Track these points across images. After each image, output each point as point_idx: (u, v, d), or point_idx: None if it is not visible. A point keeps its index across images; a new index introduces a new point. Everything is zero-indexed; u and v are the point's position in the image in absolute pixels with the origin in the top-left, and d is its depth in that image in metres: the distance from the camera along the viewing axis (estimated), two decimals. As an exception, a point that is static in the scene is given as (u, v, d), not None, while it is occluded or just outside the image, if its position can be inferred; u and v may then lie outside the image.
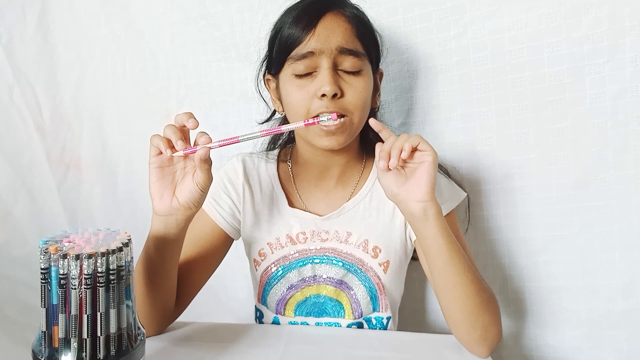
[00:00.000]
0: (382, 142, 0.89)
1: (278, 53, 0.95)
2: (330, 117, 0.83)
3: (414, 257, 1.07)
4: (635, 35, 0.99)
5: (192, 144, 0.81)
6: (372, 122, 0.87)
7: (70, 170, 1.62)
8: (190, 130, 0.82)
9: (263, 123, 1.12)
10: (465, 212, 1.15)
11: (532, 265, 1.15)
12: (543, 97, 1.07)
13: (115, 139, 1.57)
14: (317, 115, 0.89)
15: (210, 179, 0.82)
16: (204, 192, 0.83)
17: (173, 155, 0.81)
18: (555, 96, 1.06)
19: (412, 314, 1.27)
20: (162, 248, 0.87)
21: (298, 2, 0.97)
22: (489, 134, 1.13)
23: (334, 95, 0.89)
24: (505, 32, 1.07)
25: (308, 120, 0.83)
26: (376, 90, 1.01)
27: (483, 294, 0.87)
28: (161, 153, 0.82)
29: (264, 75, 1.04)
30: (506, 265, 1.17)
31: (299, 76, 0.92)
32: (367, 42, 0.94)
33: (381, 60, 1.03)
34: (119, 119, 1.55)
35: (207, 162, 0.80)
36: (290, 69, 0.93)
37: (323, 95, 0.89)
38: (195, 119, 0.79)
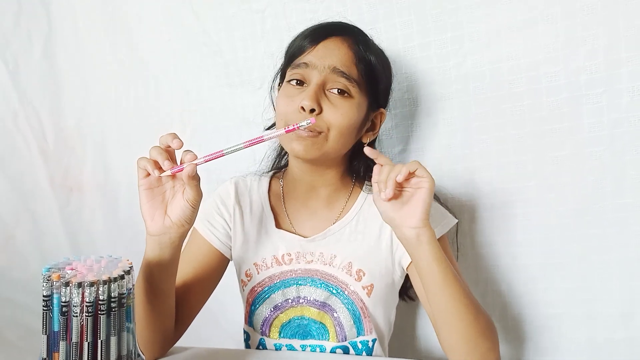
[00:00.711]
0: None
1: (285, 62, 1.01)
2: (309, 121, 0.82)
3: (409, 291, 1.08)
4: (631, 66, 1.00)
5: (178, 162, 0.82)
6: (367, 150, 0.88)
7: (73, 193, 1.63)
8: (175, 150, 0.83)
9: (268, 129, 1.14)
10: (454, 239, 1.15)
11: (531, 292, 1.15)
12: (541, 126, 1.08)
13: (118, 163, 1.59)
14: None
15: (199, 194, 0.84)
16: (195, 208, 0.85)
17: (161, 175, 0.82)
18: (553, 125, 1.07)
19: (407, 341, 1.27)
20: (158, 270, 0.87)
21: (316, 24, 1.01)
22: (488, 161, 1.13)
23: (312, 111, 0.91)
24: (503, 62, 1.08)
25: (288, 127, 0.83)
26: (372, 128, 1.03)
27: (480, 320, 0.88)
28: (149, 175, 0.83)
29: (278, 85, 1.07)
30: (505, 292, 1.17)
31: (292, 86, 0.96)
32: (365, 74, 0.96)
33: (389, 105, 1.06)
34: (122, 144, 1.57)
35: (195, 178, 0.81)
36: (287, 77, 0.98)
37: (302, 108, 0.91)
38: (179, 139, 0.81)
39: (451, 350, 0.89)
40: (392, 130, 1.20)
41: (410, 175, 0.84)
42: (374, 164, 1.06)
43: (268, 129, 1.14)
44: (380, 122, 1.04)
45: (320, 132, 0.93)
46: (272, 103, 1.12)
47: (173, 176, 0.84)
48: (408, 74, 1.16)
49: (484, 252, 1.17)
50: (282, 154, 1.15)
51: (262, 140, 0.82)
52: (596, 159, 1.05)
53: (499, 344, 0.92)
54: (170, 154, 0.83)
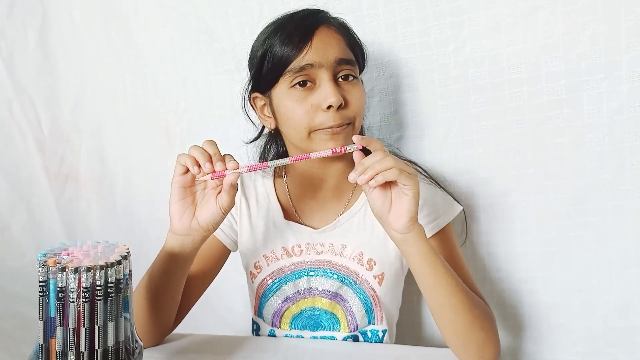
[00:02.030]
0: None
1: (271, 70, 0.95)
2: (356, 146, 0.81)
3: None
4: (632, 52, 0.99)
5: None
6: (356, 138, 0.81)
7: (68, 183, 1.62)
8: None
9: (251, 142, 1.13)
10: (462, 225, 1.15)
11: (529, 280, 1.15)
12: (541, 113, 1.07)
13: (113, 153, 1.58)
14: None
15: (233, 202, 0.83)
16: (225, 214, 0.84)
17: (202, 178, 0.82)
18: (552, 111, 1.06)
19: (409, 327, 1.26)
20: (174, 265, 0.88)
21: (284, 23, 0.96)
22: (487, 149, 1.13)
23: (339, 106, 0.90)
24: (503, 47, 1.08)
25: (336, 150, 0.82)
26: None
27: (475, 311, 0.87)
28: (186, 172, 0.82)
29: (249, 94, 1.04)
30: (504, 280, 1.17)
31: (299, 89, 0.93)
32: (356, 50, 0.98)
33: (365, 70, 1.05)
34: (118, 133, 1.56)
35: (235, 187, 0.81)
36: (286, 82, 0.93)
37: (329, 107, 0.90)
38: (235, 161, 0.80)
39: (448, 342, 0.89)
40: (390, 116, 1.20)
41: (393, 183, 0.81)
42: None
43: (251, 142, 1.13)
44: None
45: (347, 125, 0.92)
46: (247, 114, 1.09)
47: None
48: (407, 59, 1.15)
49: (483, 240, 1.17)
50: (266, 149, 1.13)
51: (309, 158, 0.82)
52: (596, 145, 1.05)
53: (498, 333, 0.92)
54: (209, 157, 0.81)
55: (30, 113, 1.59)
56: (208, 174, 0.80)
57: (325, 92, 0.90)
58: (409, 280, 1.06)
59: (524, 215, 1.13)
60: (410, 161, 1.09)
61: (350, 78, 0.94)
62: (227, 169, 0.79)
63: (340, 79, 0.93)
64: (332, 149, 0.82)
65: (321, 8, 0.99)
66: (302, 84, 0.92)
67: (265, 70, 0.96)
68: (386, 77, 1.16)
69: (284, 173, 1.08)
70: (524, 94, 1.07)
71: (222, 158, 0.81)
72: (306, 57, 0.91)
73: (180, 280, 0.92)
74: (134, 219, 1.58)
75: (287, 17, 0.97)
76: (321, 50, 0.92)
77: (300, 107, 0.92)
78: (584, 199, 1.08)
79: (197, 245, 0.87)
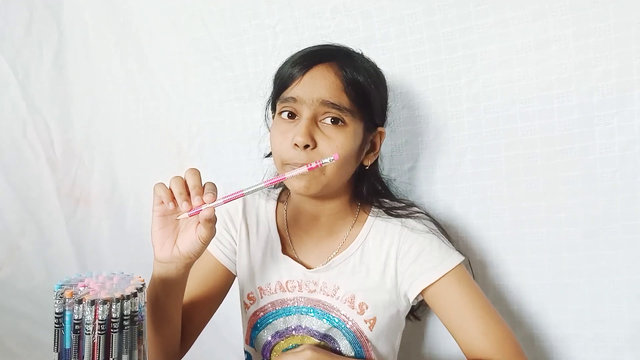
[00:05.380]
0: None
1: (274, 92, 0.98)
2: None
3: None
4: (644, 88, 1.00)
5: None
6: None
7: (80, 204, 1.64)
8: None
9: (268, 156, 1.12)
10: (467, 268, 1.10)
11: (540, 312, 1.14)
12: (553, 146, 1.07)
13: (125, 175, 1.59)
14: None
15: (213, 234, 0.81)
16: (206, 245, 0.83)
17: (180, 217, 0.82)
18: (564, 145, 1.07)
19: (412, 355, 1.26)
20: (164, 291, 0.87)
21: (303, 50, 0.97)
22: (498, 180, 1.13)
23: (306, 146, 0.89)
24: (515, 81, 1.08)
25: (310, 165, 0.81)
26: (372, 149, 1.00)
27: None
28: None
29: (272, 111, 1.05)
30: (515, 312, 1.16)
31: (283, 120, 0.93)
32: (355, 99, 0.92)
33: (387, 120, 1.05)
34: (130, 155, 1.57)
35: (212, 220, 0.79)
36: (277, 110, 0.95)
37: (296, 144, 0.89)
38: (213, 193, 0.79)
39: None
40: (402, 147, 1.20)
41: None
42: (380, 186, 1.06)
43: (267, 156, 1.12)
44: (381, 141, 1.01)
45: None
46: (269, 129, 1.09)
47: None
48: (419, 91, 1.16)
49: (494, 271, 1.16)
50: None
51: (284, 179, 0.82)
52: (607, 180, 1.05)
53: None
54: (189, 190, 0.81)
55: (44, 134, 1.61)
56: (186, 211, 0.79)
57: (297, 129, 0.90)
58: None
59: (535, 247, 1.12)
60: (413, 205, 1.07)
61: (339, 123, 0.91)
62: (204, 203, 0.78)
63: (324, 121, 0.91)
64: (307, 165, 0.81)
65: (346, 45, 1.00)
66: (290, 115, 0.93)
67: (273, 91, 0.99)
68: (398, 108, 1.17)
69: (285, 200, 1.08)
70: (536, 128, 1.08)
71: (202, 191, 0.79)
72: (294, 90, 0.92)
73: (174, 306, 0.91)
74: (143, 241, 1.58)
75: (312, 46, 0.98)
76: (307, 86, 0.91)
77: (279, 137, 0.93)
78: (596, 231, 1.08)
79: (182, 272, 0.86)
